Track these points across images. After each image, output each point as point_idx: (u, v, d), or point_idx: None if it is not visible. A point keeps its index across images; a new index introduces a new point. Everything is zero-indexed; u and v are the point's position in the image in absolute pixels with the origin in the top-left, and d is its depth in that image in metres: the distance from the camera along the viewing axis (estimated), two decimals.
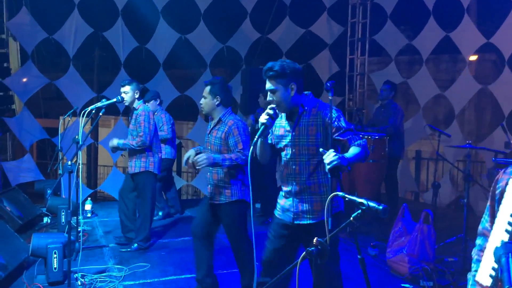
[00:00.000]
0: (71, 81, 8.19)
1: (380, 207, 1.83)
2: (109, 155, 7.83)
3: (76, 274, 4.54)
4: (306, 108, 3.16)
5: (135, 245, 5.57)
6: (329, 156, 2.75)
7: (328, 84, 2.99)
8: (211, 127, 4.11)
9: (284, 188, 3.28)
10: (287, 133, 3.21)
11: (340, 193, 1.98)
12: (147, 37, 8.68)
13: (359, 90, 9.72)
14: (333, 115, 3.07)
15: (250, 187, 3.07)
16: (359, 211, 1.87)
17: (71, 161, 4.11)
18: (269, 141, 3.30)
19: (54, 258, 4.35)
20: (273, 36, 9.49)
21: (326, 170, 2.76)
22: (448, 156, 7.79)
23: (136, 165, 5.52)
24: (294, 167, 3.17)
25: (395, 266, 4.85)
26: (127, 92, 5.43)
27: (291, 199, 3.21)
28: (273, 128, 3.29)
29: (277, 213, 3.33)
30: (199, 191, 10.68)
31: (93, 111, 4.80)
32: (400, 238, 4.88)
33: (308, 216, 3.16)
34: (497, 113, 8.44)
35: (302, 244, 3.27)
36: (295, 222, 3.18)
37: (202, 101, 4.10)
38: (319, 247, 1.88)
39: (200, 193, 10.62)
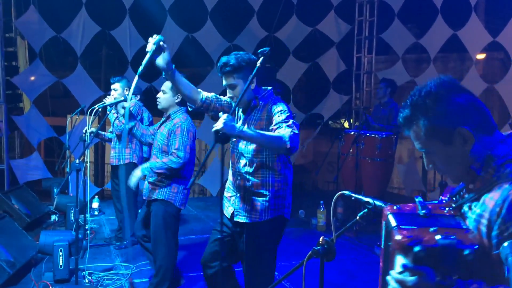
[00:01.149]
0: (78, 79, 8.22)
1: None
2: None
3: (84, 272, 4.57)
4: (260, 102, 3.02)
5: (125, 242, 5.61)
6: (219, 121, 2.52)
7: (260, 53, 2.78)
8: (160, 123, 4.03)
9: (230, 179, 3.17)
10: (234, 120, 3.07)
11: (347, 192, 1.98)
12: None
13: (366, 88, 9.69)
14: (277, 108, 2.91)
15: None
16: (366, 210, 1.86)
17: (79, 159, 4.13)
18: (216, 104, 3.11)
19: (60, 256, 4.38)
20: (280, 34, 9.48)
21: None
22: None
23: (120, 158, 5.54)
24: (240, 161, 3.04)
25: None
26: (117, 90, 5.42)
27: (234, 193, 3.11)
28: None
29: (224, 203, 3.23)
30: (206, 189, 10.68)
31: (100, 109, 4.81)
32: None
33: (245, 214, 3.03)
34: (504, 112, 8.40)
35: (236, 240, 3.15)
36: (234, 218, 3.07)
37: (161, 95, 3.96)
38: (325, 246, 1.88)
39: (207, 192, 10.62)
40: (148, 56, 2.75)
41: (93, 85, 8.41)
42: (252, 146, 2.96)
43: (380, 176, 6.60)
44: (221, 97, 3.18)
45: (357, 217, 1.88)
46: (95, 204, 7.13)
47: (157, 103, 4.01)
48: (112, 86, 5.45)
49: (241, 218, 3.04)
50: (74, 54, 8.15)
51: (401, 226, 1.45)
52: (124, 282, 4.54)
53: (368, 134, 6.54)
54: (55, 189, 7.18)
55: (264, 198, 2.97)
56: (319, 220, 6.46)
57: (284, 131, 2.73)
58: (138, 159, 5.56)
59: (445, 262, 1.37)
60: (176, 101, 3.96)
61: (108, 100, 4.62)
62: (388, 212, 1.55)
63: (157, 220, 3.87)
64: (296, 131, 2.77)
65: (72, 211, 6.01)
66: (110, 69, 13.54)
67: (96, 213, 7.09)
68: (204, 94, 3.08)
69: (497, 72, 10.75)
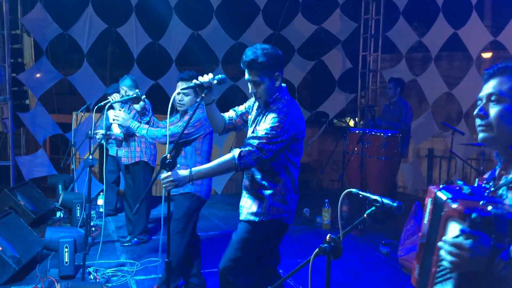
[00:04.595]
0: (84, 76, 8.24)
1: (395, 204, 1.81)
2: None
3: (89, 269, 4.58)
4: (272, 106, 2.89)
5: (135, 239, 5.65)
6: (168, 178, 2.69)
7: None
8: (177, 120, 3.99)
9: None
10: (250, 122, 3.05)
11: (354, 190, 1.97)
12: (160, 33, 8.70)
13: (372, 87, 9.67)
14: (270, 116, 2.79)
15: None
16: (373, 208, 1.85)
17: (92, 155, 4.14)
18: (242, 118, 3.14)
19: (65, 252, 4.39)
20: (286, 32, 9.46)
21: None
22: (459, 155, 7.74)
23: (132, 156, 5.58)
24: None
25: (407, 264, 4.82)
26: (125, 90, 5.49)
27: (243, 191, 3.08)
28: (251, 108, 3.11)
29: None
30: (213, 188, 10.70)
31: (107, 106, 4.81)
32: (412, 236, 4.85)
33: (242, 213, 3.01)
34: None
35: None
36: (240, 218, 3.04)
37: (184, 97, 3.88)
38: (332, 243, 1.88)
39: (212, 189, 10.64)
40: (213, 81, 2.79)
41: (99, 82, 8.42)
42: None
43: (385, 174, 6.58)
44: (237, 108, 3.17)
45: (365, 215, 1.88)
46: (100, 201, 7.14)
47: (179, 106, 3.94)
48: (122, 86, 5.50)
49: (241, 216, 3.03)
50: (80, 51, 8.17)
51: (455, 198, 1.59)
52: (129, 279, 4.54)
53: (373, 133, 6.52)
54: (60, 186, 7.20)
55: (261, 200, 2.92)
56: (324, 219, 6.46)
57: (242, 149, 2.73)
58: (148, 157, 5.59)
59: (497, 229, 1.49)
60: (198, 100, 3.92)
61: (115, 98, 4.64)
62: (436, 190, 1.69)
63: (180, 212, 3.89)
64: (264, 148, 2.71)
65: (78, 208, 6.03)
66: (116, 66, 13.58)
67: (101, 210, 7.10)
68: (226, 116, 3.11)
69: None
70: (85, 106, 6.46)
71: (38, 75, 8.15)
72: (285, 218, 2.94)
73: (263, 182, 2.90)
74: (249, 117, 3.08)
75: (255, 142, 2.73)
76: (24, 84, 7.96)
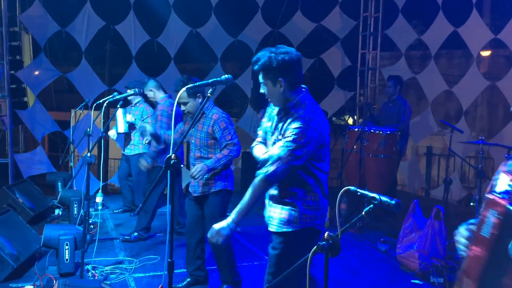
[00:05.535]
0: (83, 74, 8.23)
1: (393, 202, 1.81)
2: (119, 148, 7.87)
3: (87, 266, 4.58)
4: (292, 111, 2.75)
5: (135, 234, 5.69)
6: (216, 231, 2.70)
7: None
8: (193, 121, 4.03)
9: None
10: (270, 129, 2.91)
11: (352, 188, 1.97)
12: (159, 30, 8.69)
13: (371, 85, 9.66)
14: (293, 125, 2.67)
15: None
16: (371, 205, 1.85)
17: (90, 152, 4.14)
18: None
19: (65, 249, 4.39)
20: (285, 30, 9.45)
21: None
22: (458, 153, 7.76)
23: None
24: None
25: (405, 262, 4.83)
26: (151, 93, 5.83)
27: (268, 202, 2.97)
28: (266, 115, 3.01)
29: None
30: None
31: (105, 104, 4.81)
32: (410, 234, 4.86)
33: (273, 224, 2.89)
34: (507, 109, 8.39)
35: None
36: (268, 228, 2.94)
37: (185, 106, 4.06)
38: (330, 241, 1.88)
39: None
40: None
41: (97, 80, 8.42)
42: None
43: (384, 172, 6.58)
44: (261, 126, 3.07)
45: (363, 213, 1.88)
46: (99, 199, 7.12)
47: (186, 114, 4.16)
48: (146, 92, 5.79)
49: (271, 228, 2.94)
50: (78, 48, 8.16)
51: None
52: (127, 277, 4.54)
53: (372, 131, 6.52)
54: (59, 183, 7.19)
55: (292, 209, 2.81)
56: None
57: (268, 168, 2.66)
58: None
59: None
60: (200, 100, 4.05)
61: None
62: (506, 204, 1.57)
63: (215, 209, 4.02)
64: (288, 160, 2.64)
65: (75, 205, 6.02)
66: (114, 64, 13.56)
67: (100, 207, 7.09)
68: (259, 140, 3.08)
69: (503, 69, 10.73)
70: (84, 103, 6.47)
71: (36, 73, 8.13)
72: (319, 224, 2.87)
73: (293, 190, 2.80)
74: (268, 124, 2.96)
75: (280, 154, 2.64)
76: (22, 82, 7.95)
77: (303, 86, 2.82)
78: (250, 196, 2.70)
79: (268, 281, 2.88)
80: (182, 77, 4.14)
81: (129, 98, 4.93)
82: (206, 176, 4.00)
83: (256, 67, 2.73)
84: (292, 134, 2.64)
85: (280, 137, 2.76)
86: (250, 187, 2.72)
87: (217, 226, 2.71)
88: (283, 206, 2.84)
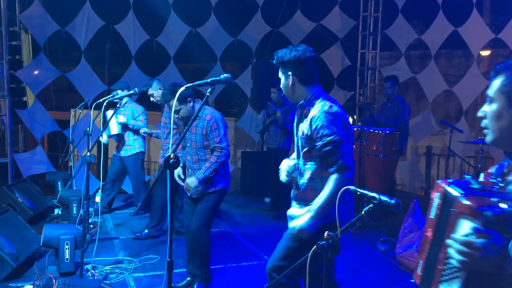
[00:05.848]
0: (82, 73, 8.23)
1: (392, 201, 1.81)
2: None
3: (87, 266, 4.57)
4: (307, 108, 2.82)
5: (146, 231, 5.77)
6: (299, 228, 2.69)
7: None
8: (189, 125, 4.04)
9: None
10: (295, 131, 2.95)
11: (352, 187, 1.97)
12: (158, 30, 8.68)
13: (370, 84, 9.65)
14: (318, 121, 2.71)
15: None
16: (371, 205, 1.85)
17: (90, 152, 4.14)
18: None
19: (66, 249, 4.38)
20: (284, 29, 9.45)
21: None
22: (457, 152, 7.76)
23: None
24: (296, 167, 2.91)
25: (405, 262, 4.83)
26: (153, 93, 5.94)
27: (292, 201, 2.97)
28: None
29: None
30: None
31: (105, 104, 4.81)
32: (410, 233, 4.86)
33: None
34: None
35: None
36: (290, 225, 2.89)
37: (179, 113, 4.08)
38: (329, 241, 1.88)
39: None
40: None
41: (97, 79, 8.41)
42: (306, 175, 2.84)
43: (383, 172, 6.58)
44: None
45: (363, 212, 1.87)
46: (98, 198, 7.12)
47: (181, 118, 4.18)
48: (152, 91, 5.90)
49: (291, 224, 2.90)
50: (78, 48, 8.15)
51: (467, 194, 1.54)
52: (127, 276, 4.54)
53: (371, 130, 6.53)
54: (59, 183, 7.19)
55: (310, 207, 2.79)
56: None
57: (334, 168, 2.67)
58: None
59: (511, 228, 1.44)
60: (191, 104, 4.10)
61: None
62: (445, 185, 1.65)
63: (208, 206, 4.06)
64: (343, 151, 2.68)
65: (75, 205, 6.02)
66: (113, 63, 13.56)
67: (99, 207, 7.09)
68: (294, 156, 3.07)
69: None
70: (83, 103, 6.46)
71: (36, 72, 8.12)
72: (335, 220, 2.84)
73: (316, 188, 2.78)
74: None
75: (338, 158, 2.68)
76: (22, 81, 7.95)
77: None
78: (328, 198, 2.68)
79: (276, 267, 2.87)
80: (169, 86, 4.19)
81: (115, 99, 4.89)
82: (199, 189, 4.03)
83: (274, 61, 2.89)
84: (324, 131, 2.69)
85: (311, 134, 2.74)
86: (327, 187, 2.68)
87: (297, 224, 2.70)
88: (305, 205, 2.82)
